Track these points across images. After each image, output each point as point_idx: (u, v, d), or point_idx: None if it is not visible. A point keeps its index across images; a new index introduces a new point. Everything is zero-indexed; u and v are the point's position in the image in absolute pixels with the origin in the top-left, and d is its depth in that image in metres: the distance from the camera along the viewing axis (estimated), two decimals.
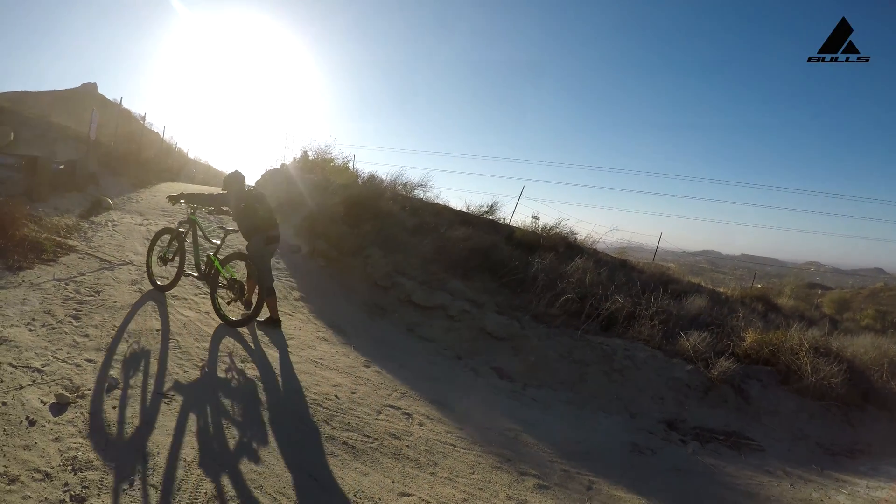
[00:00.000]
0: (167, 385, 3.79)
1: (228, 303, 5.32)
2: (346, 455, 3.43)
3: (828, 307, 20.20)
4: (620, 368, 6.17)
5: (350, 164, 13.23)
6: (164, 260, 5.78)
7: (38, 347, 3.89)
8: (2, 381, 3.31)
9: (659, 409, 5.72)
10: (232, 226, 5.82)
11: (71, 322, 4.48)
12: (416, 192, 12.08)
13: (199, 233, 5.69)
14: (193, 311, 5.37)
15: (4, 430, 2.85)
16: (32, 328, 4.19)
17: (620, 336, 6.96)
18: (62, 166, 10.95)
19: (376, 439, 3.72)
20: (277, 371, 4.49)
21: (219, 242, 5.58)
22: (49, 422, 3.03)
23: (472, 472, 3.58)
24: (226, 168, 28.21)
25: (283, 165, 13.39)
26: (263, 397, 3.97)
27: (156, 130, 22.92)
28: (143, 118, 22.09)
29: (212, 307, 5.34)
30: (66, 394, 3.34)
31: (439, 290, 7.43)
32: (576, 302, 7.43)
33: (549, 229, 11.33)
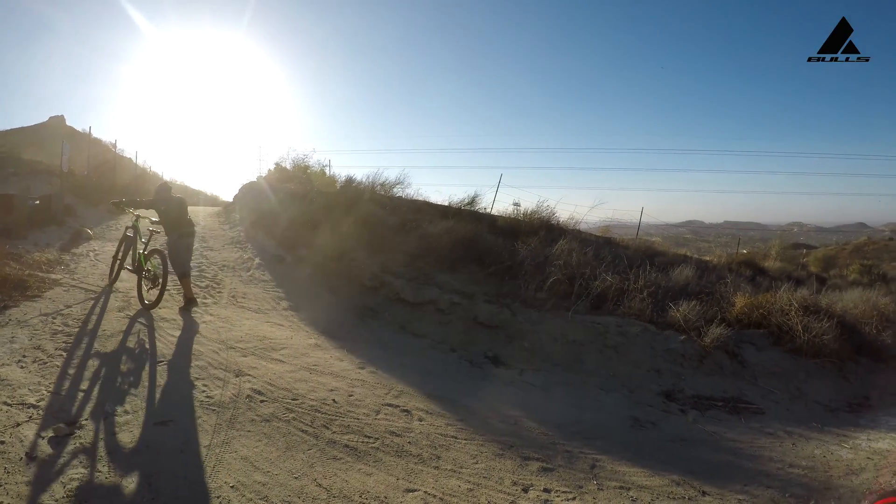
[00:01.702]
0: (163, 408, 3.79)
1: (149, 290, 6.21)
2: (349, 457, 3.46)
3: (814, 265, 20.47)
4: (614, 345, 6.23)
5: (326, 170, 13.21)
6: (115, 258, 6.92)
7: (32, 383, 3.87)
8: None
9: (656, 381, 5.79)
10: (154, 227, 6.61)
11: (62, 355, 4.46)
12: (394, 190, 12.10)
13: (139, 235, 6.72)
14: (180, 331, 5.42)
15: (5, 468, 2.84)
16: (24, 365, 4.17)
17: (611, 313, 7.01)
18: (37, 202, 10.86)
19: (377, 439, 3.75)
20: (274, 379, 4.50)
21: (145, 241, 6.55)
22: (49, 455, 3.02)
23: (475, 462, 3.62)
24: (202, 187, 28.64)
25: (259, 178, 13.33)
26: (257, 406, 3.99)
27: (128, 156, 22.83)
28: (115, 145, 22.02)
29: (136, 294, 6.26)
30: (64, 426, 3.34)
31: (427, 286, 7.45)
32: (564, 283, 7.46)
33: (531, 214, 11.36)
